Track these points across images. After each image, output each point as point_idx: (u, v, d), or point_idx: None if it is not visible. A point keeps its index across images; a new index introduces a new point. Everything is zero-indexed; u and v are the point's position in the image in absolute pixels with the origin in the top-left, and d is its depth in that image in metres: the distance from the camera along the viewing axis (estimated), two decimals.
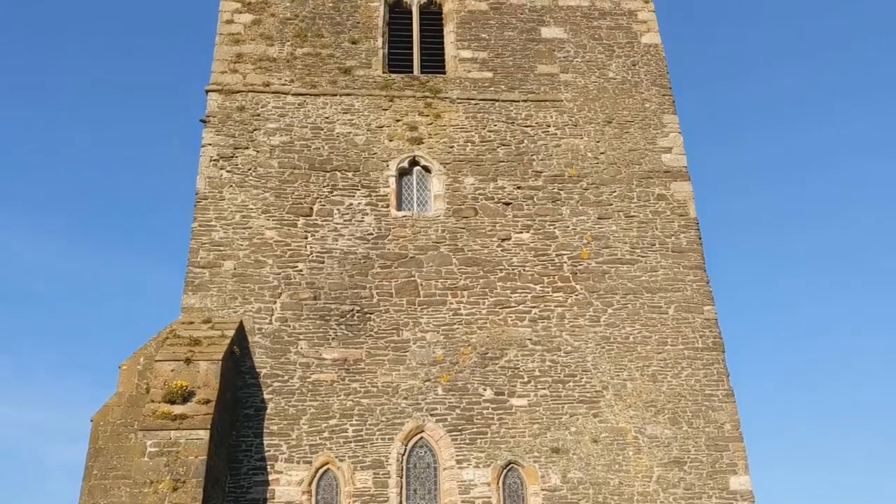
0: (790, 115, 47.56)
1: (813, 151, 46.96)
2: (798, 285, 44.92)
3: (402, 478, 13.06)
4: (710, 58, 48.51)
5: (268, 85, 16.22)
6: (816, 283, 44.83)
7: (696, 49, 46.22)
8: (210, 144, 15.48)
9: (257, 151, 15.50)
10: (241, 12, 17.03)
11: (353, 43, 16.89)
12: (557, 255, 14.99)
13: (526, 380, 13.89)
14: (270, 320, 14.04)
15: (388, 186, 15.35)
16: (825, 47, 47.69)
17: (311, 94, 16.19)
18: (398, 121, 16.05)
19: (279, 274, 14.40)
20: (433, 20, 17.70)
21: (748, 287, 42.86)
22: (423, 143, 15.87)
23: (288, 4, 17.23)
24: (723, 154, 45.54)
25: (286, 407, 13.40)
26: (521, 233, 15.15)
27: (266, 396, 13.45)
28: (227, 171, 15.26)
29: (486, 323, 14.31)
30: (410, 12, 17.74)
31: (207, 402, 12.09)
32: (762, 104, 47.32)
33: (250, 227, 14.76)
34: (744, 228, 46.04)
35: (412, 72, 16.88)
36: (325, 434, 13.23)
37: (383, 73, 16.63)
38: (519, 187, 15.57)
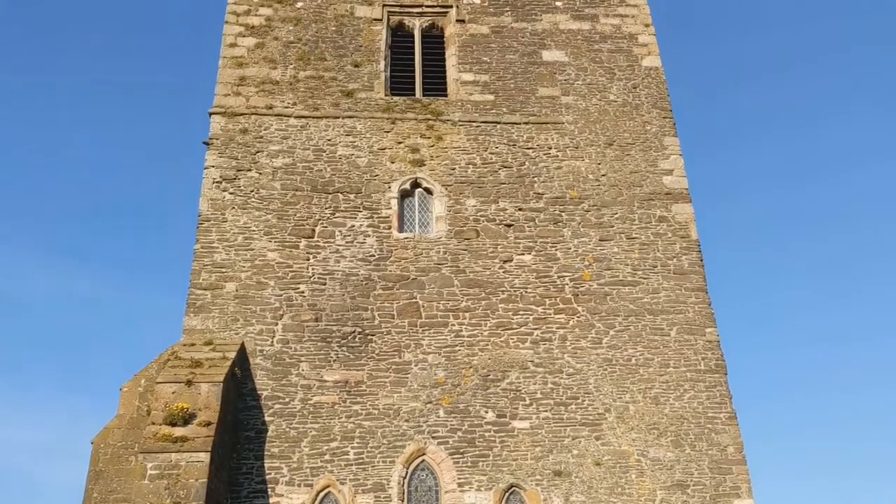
0: (784, 124, 47.96)
1: (809, 160, 47.39)
2: (792, 296, 45.22)
3: (403, 501, 12.97)
4: (707, 62, 49.03)
5: (271, 107, 16.33)
6: (811, 294, 45.11)
7: (693, 52, 46.67)
8: (213, 166, 15.56)
9: (260, 173, 15.57)
10: (244, 36, 17.19)
11: (356, 66, 17.02)
12: (559, 277, 14.99)
13: (528, 402, 13.85)
14: (272, 342, 14.04)
15: (390, 208, 15.40)
16: (825, 50, 48.20)
17: (313, 117, 16.29)
18: (400, 143, 16.13)
19: (281, 295, 14.41)
20: (435, 43, 17.85)
21: (743, 298, 43.12)
22: (424, 165, 15.94)
23: (291, 28, 17.39)
24: (716, 163, 45.92)
25: (287, 429, 13.35)
26: (523, 254, 15.17)
27: (267, 419, 13.41)
28: (230, 193, 15.32)
29: (487, 345, 14.29)
30: (412, 36, 17.90)
31: (208, 424, 12.06)
32: (758, 112, 47.79)
33: (252, 249, 14.80)
34: (741, 237, 46.35)
35: (414, 94, 16.99)
36: (327, 457, 13.18)
37: (385, 95, 16.75)
38: (520, 209, 15.62)
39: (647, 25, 18.04)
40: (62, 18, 46.41)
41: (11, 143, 43.90)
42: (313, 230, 15.08)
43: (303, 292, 14.48)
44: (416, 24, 17.97)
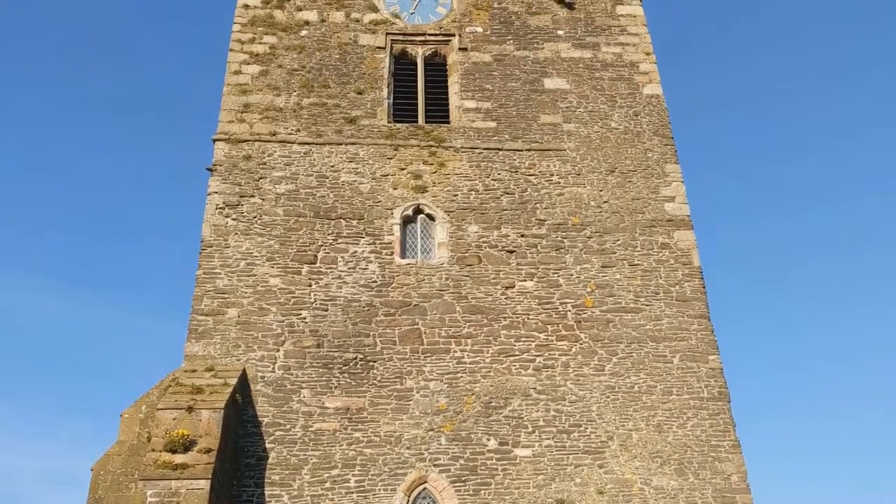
0: (786, 147, 48.14)
1: (812, 184, 47.57)
2: (795, 318, 45.19)
3: None
4: (708, 85, 49.36)
5: (274, 134, 16.42)
6: (814, 316, 45.10)
7: (694, 75, 47.02)
8: (216, 192, 15.62)
9: (263, 199, 15.63)
10: (248, 63, 17.33)
11: (359, 93, 17.14)
12: (561, 304, 14.97)
13: (530, 430, 13.76)
14: (273, 368, 13.99)
15: (393, 234, 15.42)
16: (827, 72, 48.53)
17: (316, 144, 16.38)
18: (403, 169, 16.20)
19: (283, 322, 14.39)
20: (437, 71, 17.99)
21: (745, 320, 43.05)
22: (427, 191, 15.99)
23: (295, 56, 17.55)
24: (717, 186, 46.08)
25: (288, 456, 13.27)
26: (525, 281, 15.16)
27: (268, 445, 13.33)
28: (233, 219, 15.36)
29: (489, 372, 14.24)
30: (415, 63, 18.04)
31: (209, 451, 11.99)
32: (760, 136, 48.05)
33: (255, 275, 14.80)
34: (743, 260, 46.37)
35: (417, 121, 17.09)
36: (327, 484, 13.08)
37: (388, 122, 16.85)
38: (522, 235, 15.64)
39: (648, 54, 18.19)
40: (68, 41, 46.97)
41: (14, 161, 44.25)
42: (315, 256, 15.10)
43: (304, 318, 14.46)
44: (419, 52, 18.13)
